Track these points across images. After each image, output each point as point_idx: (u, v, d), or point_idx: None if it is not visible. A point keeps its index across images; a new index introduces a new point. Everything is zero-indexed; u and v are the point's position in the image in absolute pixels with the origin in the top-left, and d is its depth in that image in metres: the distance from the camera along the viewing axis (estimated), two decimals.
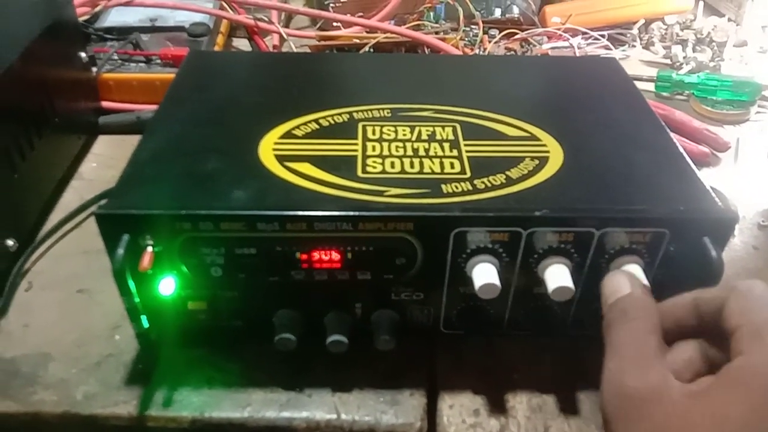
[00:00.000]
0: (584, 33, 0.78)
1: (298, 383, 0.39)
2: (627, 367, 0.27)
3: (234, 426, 0.37)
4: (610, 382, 0.27)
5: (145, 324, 0.36)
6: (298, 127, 0.41)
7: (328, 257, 0.35)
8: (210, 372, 0.39)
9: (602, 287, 0.31)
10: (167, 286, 0.36)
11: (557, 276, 0.34)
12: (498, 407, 0.38)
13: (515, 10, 0.81)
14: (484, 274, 0.34)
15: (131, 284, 0.34)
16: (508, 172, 0.37)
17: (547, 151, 0.39)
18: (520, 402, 0.38)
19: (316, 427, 0.37)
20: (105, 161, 0.58)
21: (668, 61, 0.78)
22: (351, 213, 0.34)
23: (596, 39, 0.78)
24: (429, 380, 0.40)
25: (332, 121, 0.42)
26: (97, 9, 0.70)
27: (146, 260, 0.33)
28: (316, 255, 0.35)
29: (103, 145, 0.60)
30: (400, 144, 0.40)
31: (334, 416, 0.37)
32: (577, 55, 0.75)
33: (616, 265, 0.35)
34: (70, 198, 0.54)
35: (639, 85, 0.49)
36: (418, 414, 0.38)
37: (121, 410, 0.37)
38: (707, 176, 0.59)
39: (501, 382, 0.39)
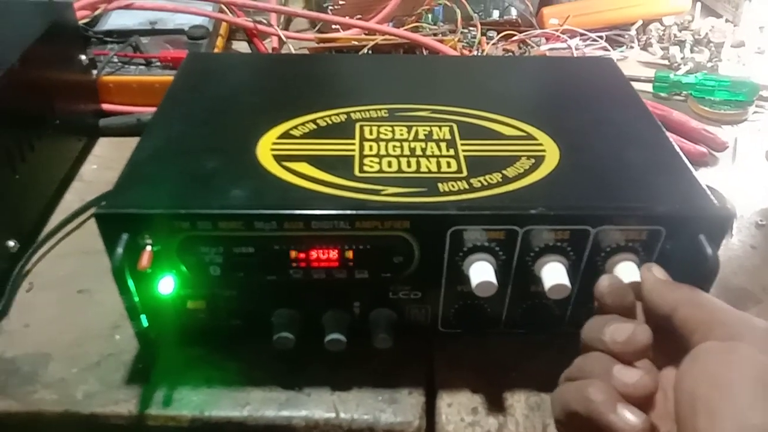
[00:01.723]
0: (582, 34, 0.79)
1: (297, 382, 0.39)
2: None
3: (233, 425, 0.37)
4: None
5: (145, 323, 0.36)
6: (295, 127, 0.41)
7: (325, 256, 0.36)
8: (209, 371, 0.39)
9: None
10: (166, 285, 0.36)
11: (554, 274, 0.35)
12: (496, 405, 0.38)
13: (513, 11, 0.81)
14: (481, 272, 0.35)
15: (130, 283, 0.34)
16: (504, 171, 0.37)
17: (543, 150, 0.39)
18: (518, 400, 0.39)
19: (315, 425, 0.37)
20: (105, 163, 0.59)
21: (666, 62, 0.78)
22: (348, 212, 0.34)
23: (594, 40, 0.79)
24: (427, 379, 0.40)
25: (330, 122, 0.42)
26: (98, 12, 0.70)
27: (145, 259, 0.34)
28: (313, 254, 0.35)
29: (103, 147, 0.61)
30: (397, 144, 0.40)
31: (333, 415, 0.37)
32: (575, 56, 0.75)
33: (613, 262, 0.35)
34: (71, 199, 0.54)
35: (637, 85, 0.49)
36: (416, 412, 0.38)
37: (121, 409, 0.37)
38: (705, 176, 0.59)
39: (499, 381, 0.40)
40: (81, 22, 0.67)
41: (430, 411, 0.38)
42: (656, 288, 0.31)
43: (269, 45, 0.77)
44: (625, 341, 0.29)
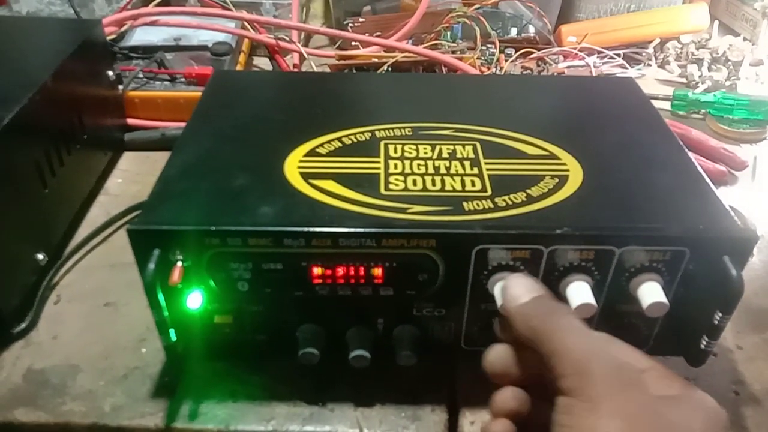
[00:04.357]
0: (600, 52, 0.79)
1: (321, 397, 0.39)
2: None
3: None
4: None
5: (173, 337, 0.37)
6: (321, 145, 0.42)
7: (351, 273, 0.36)
8: (234, 385, 0.40)
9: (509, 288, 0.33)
10: (195, 300, 0.36)
11: (579, 293, 0.35)
12: None
13: (531, 29, 0.82)
14: None
15: (161, 298, 0.35)
16: (528, 191, 0.38)
17: (567, 170, 0.40)
18: None
19: None
20: (130, 177, 0.60)
21: (684, 80, 0.78)
22: (375, 230, 0.35)
23: (612, 58, 0.79)
24: (450, 396, 0.40)
25: (355, 140, 0.43)
26: (124, 29, 0.71)
27: (176, 275, 0.34)
28: (339, 270, 0.36)
29: (128, 161, 0.62)
30: (422, 162, 0.40)
31: (357, 431, 0.38)
32: (593, 74, 0.76)
33: (636, 282, 0.36)
34: (97, 213, 0.55)
35: (655, 103, 0.49)
36: (439, 430, 0.38)
37: (148, 422, 0.38)
38: (724, 195, 0.59)
39: None
40: (107, 38, 0.68)
41: (452, 429, 0.39)
42: (516, 316, 0.32)
43: (290, 61, 0.78)
44: None
